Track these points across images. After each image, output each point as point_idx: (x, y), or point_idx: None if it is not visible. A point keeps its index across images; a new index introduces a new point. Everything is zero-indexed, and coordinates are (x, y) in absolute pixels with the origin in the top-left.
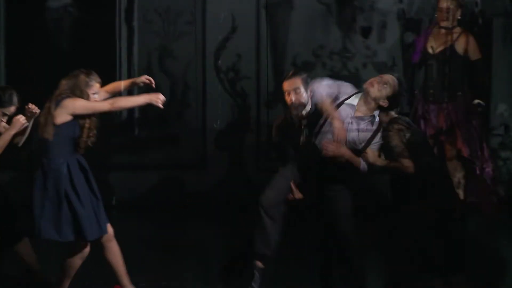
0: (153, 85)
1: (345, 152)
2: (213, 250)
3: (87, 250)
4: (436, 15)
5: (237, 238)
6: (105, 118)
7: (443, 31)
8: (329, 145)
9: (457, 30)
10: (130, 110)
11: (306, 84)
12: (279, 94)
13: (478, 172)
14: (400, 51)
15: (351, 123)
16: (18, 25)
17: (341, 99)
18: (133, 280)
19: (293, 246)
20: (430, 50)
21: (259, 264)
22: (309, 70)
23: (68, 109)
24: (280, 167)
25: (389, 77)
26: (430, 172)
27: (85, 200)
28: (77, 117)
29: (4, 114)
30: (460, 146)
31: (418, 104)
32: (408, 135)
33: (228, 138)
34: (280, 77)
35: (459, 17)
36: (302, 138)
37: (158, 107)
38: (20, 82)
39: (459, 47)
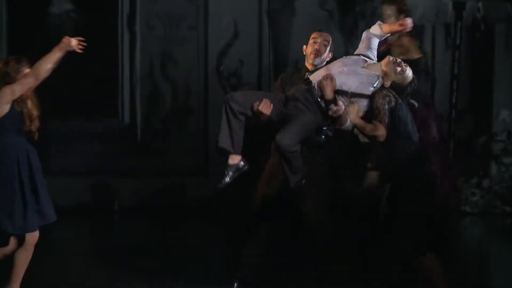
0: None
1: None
2: (215, 255)
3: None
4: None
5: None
6: (108, 124)
7: (390, 37)
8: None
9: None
10: (133, 117)
11: (332, 46)
12: None
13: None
14: None
15: (354, 71)
16: (20, 31)
17: (357, 53)
18: (135, 286)
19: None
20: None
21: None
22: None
23: (2, 99)
24: None
25: (408, 69)
26: (410, 147)
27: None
28: (13, 106)
29: None
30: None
31: None
32: (393, 104)
33: None
34: None
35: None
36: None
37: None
38: None
39: (395, 51)
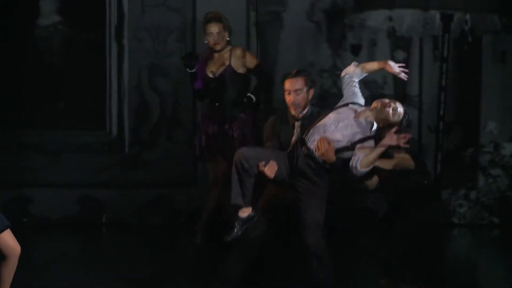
0: None
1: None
2: (202, 268)
3: None
4: (206, 41)
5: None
6: (95, 135)
7: (217, 54)
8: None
9: (228, 49)
10: (120, 129)
11: (308, 84)
12: (269, 112)
13: None
14: None
15: (348, 124)
16: (7, 43)
17: (344, 102)
18: None
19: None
20: (210, 75)
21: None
22: None
23: None
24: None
25: (399, 106)
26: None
27: None
28: None
29: None
30: None
31: (206, 125)
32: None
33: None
34: (270, 94)
35: (228, 38)
36: (293, 138)
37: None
38: (10, 98)
39: (234, 64)
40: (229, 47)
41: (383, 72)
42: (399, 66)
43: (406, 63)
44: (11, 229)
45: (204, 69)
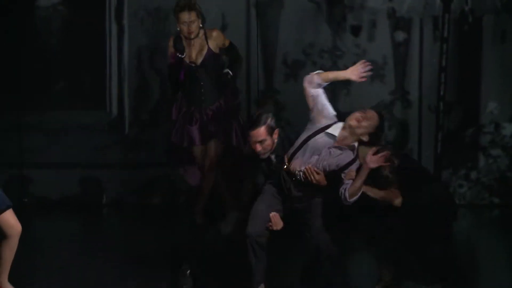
0: None
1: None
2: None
3: None
4: (179, 29)
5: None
6: (95, 116)
7: (192, 41)
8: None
9: (201, 34)
10: (121, 109)
11: (271, 129)
12: (269, 92)
13: None
14: (391, 50)
15: (330, 153)
16: (7, 24)
17: (320, 127)
18: (124, 278)
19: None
20: (192, 64)
21: None
22: (299, 69)
23: None
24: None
25: (373, 114)
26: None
27: None
28: None
29: None
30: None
31: (191, 114)
32: (396, 161)
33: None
34: (270, 75)
35: (201, 25)
36: (271, 167)
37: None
38: (10, 79)
39: (213, 46)
40: (202, 32)
41: (384, 52)
42: (362, 68)
43: (407, 43)
44: (12, 209)
45: (181, 59)
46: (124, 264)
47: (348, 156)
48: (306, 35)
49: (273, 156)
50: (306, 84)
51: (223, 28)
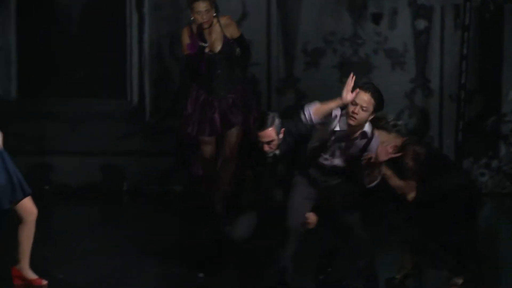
0: None
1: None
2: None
3: None
4: (193, 18)
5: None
6: (116, 104)
7: (209, 30)
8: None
9: (215, 22)
10: (141, 97)
11: (278, 129)
12: (290, 80)
13: None
14: (411, 38)
15: (345, 145)
16: (28, 12)
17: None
18: (142, 265)
19: None
20: (211, 53)
21: None
22: (320, 57)
23: None
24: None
25: (368, 88)
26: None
27: None
28: None
29: None
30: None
31: (210, 103)
32: (422, 152)
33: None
34: (291, 63)
35: (214, 14)
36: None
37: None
38: (30, 68)
39: (228, 33)
40: (215, 20)
41: (404, 40)
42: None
43: (428, 31)
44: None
45: (203, 48)
46: (144, 251)
47: (363, 141)
48: (327, 23)
49: (277, 152)
50: (302, 117)
51: (243, 17)
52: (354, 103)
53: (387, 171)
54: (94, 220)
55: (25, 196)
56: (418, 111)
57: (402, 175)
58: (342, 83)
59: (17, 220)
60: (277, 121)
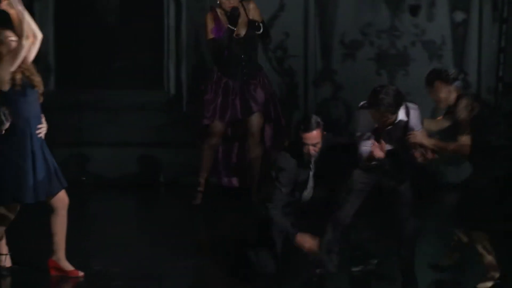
0: None
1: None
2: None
3: None
4: (218, 2)
5: None
6: (153, 95)
7: (235, 16)
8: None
9: (240, 6)
10: (178, 88)
11: (323, 133)
12: (327, 72)
13: None
14: (449, 30)
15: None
16: (66, 3)
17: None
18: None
19: None
20: (237, 36)
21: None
22: (357, 49)
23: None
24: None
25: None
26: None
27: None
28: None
29: None
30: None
31: (232, 87)
32: (476, 109)
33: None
34: (328, 55)
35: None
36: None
37: None
38: (68, 58)
39: (253, 17)
40: (240, 4)
41: (442, 32)
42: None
43: (465, 24)
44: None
45: (231, 31)
46: (179, 243)
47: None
48: (364, 15)
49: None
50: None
51: (281, 8)
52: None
53: (437, 142)
54: (130, 212)
55: (62, 188)
56: None
57: (456, 131)
58: (379, 75)
59: (49, 210)
60: (321, 123)
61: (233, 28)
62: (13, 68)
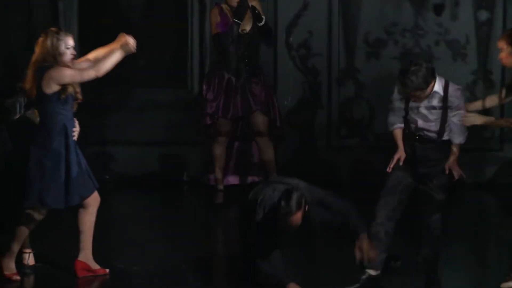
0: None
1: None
2: None
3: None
4: None
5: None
6: (176, 93)
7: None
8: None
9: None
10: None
11: (304, 210)
12: (350, 71)
13: None
14: (473, 29)
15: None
16: (91, 2)
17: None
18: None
19: None
20: (242, 32)
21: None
22: (381, 47)
23: (55, 80)
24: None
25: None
26: None
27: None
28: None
29: None
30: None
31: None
32: None
33: (299, 115)
34: (352, 53)
35: None
36: None
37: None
38: None
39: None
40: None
41: (466, 31)
42: None
43: (490, 23)
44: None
45: (231, 26)
46: (202, 242)
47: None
48: (388, 14)
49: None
50: None
51: (305, 7)
52: None
53: (492, 119)
54: (153, 210)
55: (94, 190)
56: None
57: None
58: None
59: (79, 207)
60: (303, 202)
61: (239, 22)
62: (66, 82)
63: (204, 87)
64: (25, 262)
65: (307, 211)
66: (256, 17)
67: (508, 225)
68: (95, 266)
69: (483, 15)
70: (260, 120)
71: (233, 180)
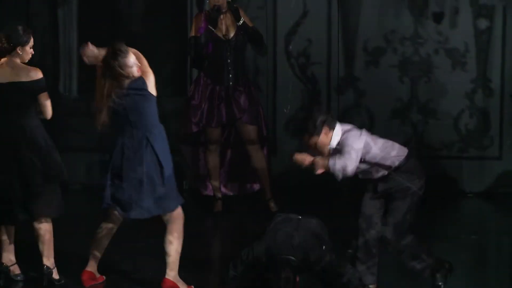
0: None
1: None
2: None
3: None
4: (208, 1)
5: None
6: (176, 102)
7: (223, 16)
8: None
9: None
10: None
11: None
12: (350, 79)
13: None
14: (473, 37)
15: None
16: (90, 11)
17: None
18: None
19: None
20: (224, 37)
21: None
22: (380, 55)
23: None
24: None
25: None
26: None
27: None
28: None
29: None
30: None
31: (218, 92)
32: None
33: (298, 123)
34: (351, 62)
35: (229, 0)
36: None
37: None
38: (91, 67)
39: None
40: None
41: (465, 40)
42: None
43: (489, 31)
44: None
45: (211, 32)
46: (202, 252)
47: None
48: (387, 22)
49: None
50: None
51: (304, 15)
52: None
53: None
54: (154, 219)
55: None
56: (478, 111)
57: None
58: (402, 82)
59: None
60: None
61: (212, 29)
62: None
63: (189, 95)
64: (53, 276)
65: None
66: (235, 16)
67: (507, 234)
68: (97, 274)
69: (483, 23)
70: (248, 128)
71: (227, 191)
